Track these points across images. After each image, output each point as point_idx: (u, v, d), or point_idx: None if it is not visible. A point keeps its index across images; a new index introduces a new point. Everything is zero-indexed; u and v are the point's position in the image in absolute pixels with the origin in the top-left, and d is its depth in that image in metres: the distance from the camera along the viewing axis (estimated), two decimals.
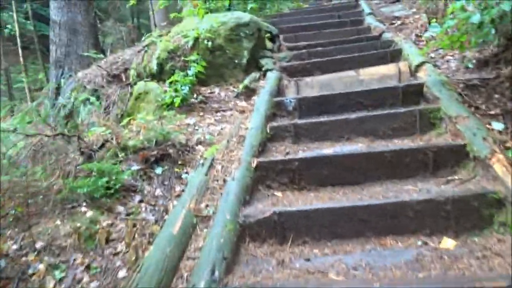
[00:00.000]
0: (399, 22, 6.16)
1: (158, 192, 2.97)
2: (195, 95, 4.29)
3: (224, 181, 2.74)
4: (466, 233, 2.26)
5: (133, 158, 3.29)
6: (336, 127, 3.45)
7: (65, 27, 7.55)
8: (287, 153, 3.31)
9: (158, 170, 3.14)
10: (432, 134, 3.22)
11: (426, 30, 5.49)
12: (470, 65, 3.69)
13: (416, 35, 5.42)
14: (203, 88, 4.64)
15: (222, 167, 2.92)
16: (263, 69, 4.95)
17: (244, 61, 5.01)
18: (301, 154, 3.00)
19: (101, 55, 7.53)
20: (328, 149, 3.27)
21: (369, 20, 6.70)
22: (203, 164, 2.96)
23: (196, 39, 4.98)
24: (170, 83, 4.12)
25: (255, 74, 4.78)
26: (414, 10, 7.00)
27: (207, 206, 2.59)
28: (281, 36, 6.48)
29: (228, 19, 5.10)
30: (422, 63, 4.16)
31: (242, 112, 3.87)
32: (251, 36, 5.11)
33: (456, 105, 3.13)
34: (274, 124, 3.59)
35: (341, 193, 2.74)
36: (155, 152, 3.28)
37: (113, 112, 4.54)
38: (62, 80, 7.05)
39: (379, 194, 2.64)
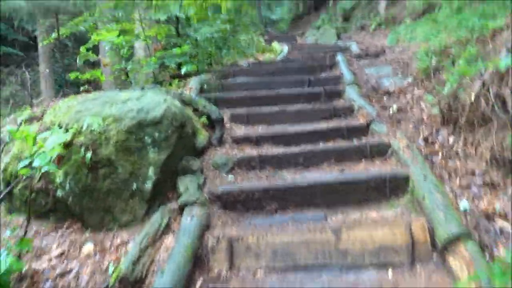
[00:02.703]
0: (394, 106, 4.28)
1: None
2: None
3: None
4: None
5: None
6: None
7: None
8: None
9: None
10: None
11: (437, 131, 3.63)
12: None
13: (425, 140, 3.55)
14: (58, 251, 2.55)
15: None
16: (180, 200, 2.93)
17: (149, 185, 2.96)
18: None
19: None
20: None
21: (351, 94, 4.82)
22: None
23: (68, 145, 2.93)
24: None
25: (158, 220, 2.73)
26: (410, 79, 5.18)
27: None
28: (228, 112, 4.50)
29: (126, 111, 3.05)
30: (459, 238, 2.23)
31: None
32: (165, 141, 3.08)
33: None
34: None
35: None
36: None
37: None
38: None
39: None
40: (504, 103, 3.03)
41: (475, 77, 3.48)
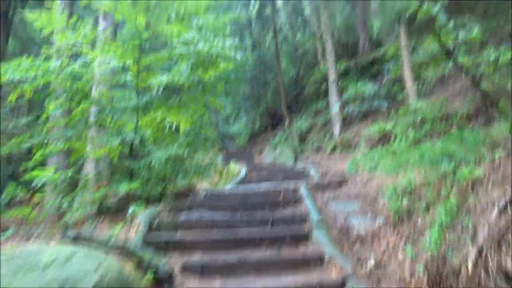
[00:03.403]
0: (372, 260, 3.78)
1: None
2: None
3: None
4: None
5: None
6: None
7: None
8: None
9: None
10: None
11: None
12: None
13: None
14: None
15: None
16: None
17: None
18: None
19: None
20: None
21: (320, 238, 4.31)
22: None
23: None
24: None
25: None
26: (381, 220, 4.79)
27: None
28: (179, 261, 3.81)
29: (48, 281, 2.32)
30: None
31: None
32: None
33: None
34: None
35: None
36: None
37: None
38: None
39: None
40: (507, 276, 2.61)
41: (465, 237, 3.12)
